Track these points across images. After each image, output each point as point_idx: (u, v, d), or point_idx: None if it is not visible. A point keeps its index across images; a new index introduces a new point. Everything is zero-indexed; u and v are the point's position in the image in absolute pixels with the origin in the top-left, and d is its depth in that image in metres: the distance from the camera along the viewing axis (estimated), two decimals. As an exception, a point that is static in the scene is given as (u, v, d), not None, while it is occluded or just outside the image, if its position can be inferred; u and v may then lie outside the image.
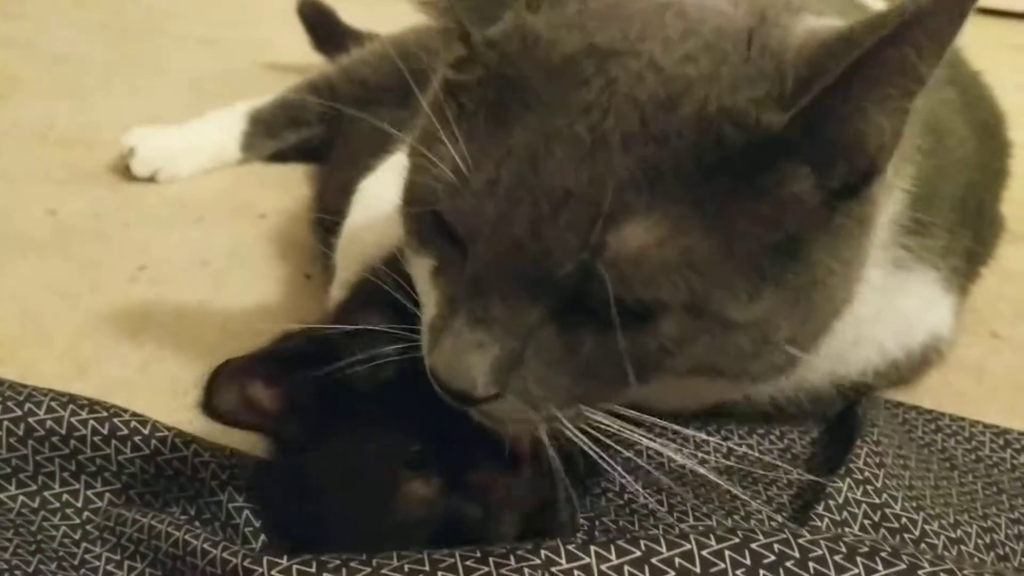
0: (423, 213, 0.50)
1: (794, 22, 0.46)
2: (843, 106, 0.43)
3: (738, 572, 0.47)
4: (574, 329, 0.46)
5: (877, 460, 0.61)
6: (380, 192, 0.76)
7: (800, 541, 0.48)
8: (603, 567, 0.48)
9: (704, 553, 0.48)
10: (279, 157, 1.19)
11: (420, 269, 0.52)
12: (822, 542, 0.48)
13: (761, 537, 0.48)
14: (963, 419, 0.72)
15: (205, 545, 0.53)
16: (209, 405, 0.53)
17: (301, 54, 1.46)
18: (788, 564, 0.47)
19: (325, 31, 1.43)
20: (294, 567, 0.49)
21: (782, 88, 0.43)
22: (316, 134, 1.18)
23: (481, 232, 0.45)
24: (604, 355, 0.46)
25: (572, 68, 0.45)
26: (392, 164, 0.78)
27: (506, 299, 0.45)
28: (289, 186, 1.12)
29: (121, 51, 1.58)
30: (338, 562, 0.49)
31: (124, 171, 1.10)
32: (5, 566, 0.54)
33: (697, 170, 0.43)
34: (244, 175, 1.15)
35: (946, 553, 0.57)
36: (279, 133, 1.18)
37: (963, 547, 0.58)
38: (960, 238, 0.67)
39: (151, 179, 1.10)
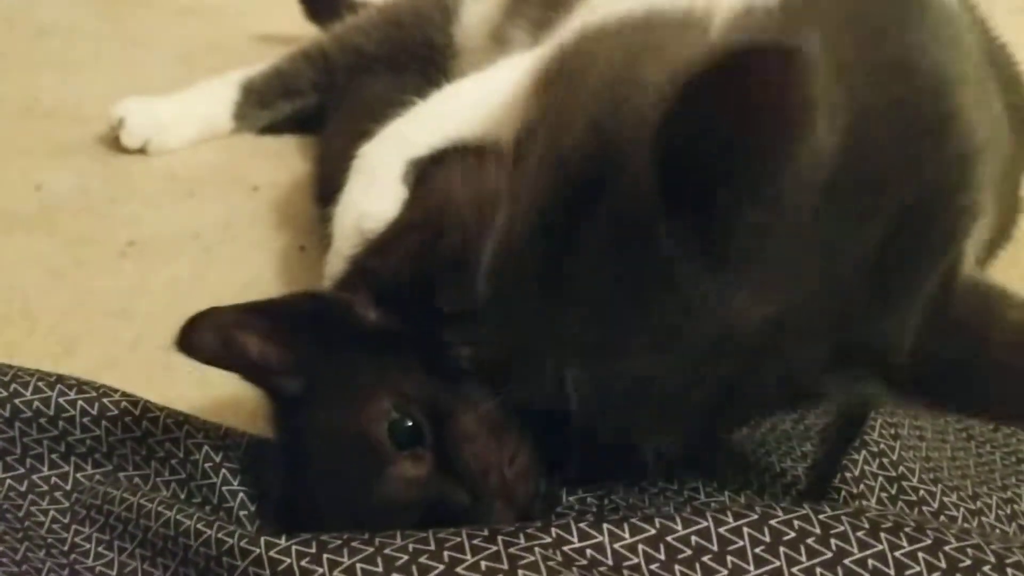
0: None
1: None
2: None
3: (757, 550, 0.45)
4: None
5: (892, 432, 0.59)
6: (379, 159, 0.73)
7: (821, 517, 0.46)
8: (616, 546, 0.46)
9: (721, 531, 0.46)
10: (272, 128, 1.16)
11: None
12: (844, 518, 0.46)
13: (780, 513, 0.46)
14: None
15: (199, 525, 0.51)
16: (187, 345, 0.51)
17: (292, 23, 1.43)
18: (809, 541, 0.45)
19: (317, 0, 1.40)
20: (293, 547, 0.47)
21: None
22: (310, 104, 1.15)
23: None
24: None
25: None
26: (392, 131, 0.75)
27: None
28: (283, 157, 1.10)
29: (106, 22, 1.55)
30: (339, 542, 0.47)
31: (113, 143, 1.08)
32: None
33: None
34: (236, 146, 1.13)
35: (966, 525, 0.55)
36: (272, 103, 1.15)
37: (983, 518, 0.56)
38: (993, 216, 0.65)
39: (141, 150, 1.07)
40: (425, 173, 0.72)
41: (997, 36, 0.74)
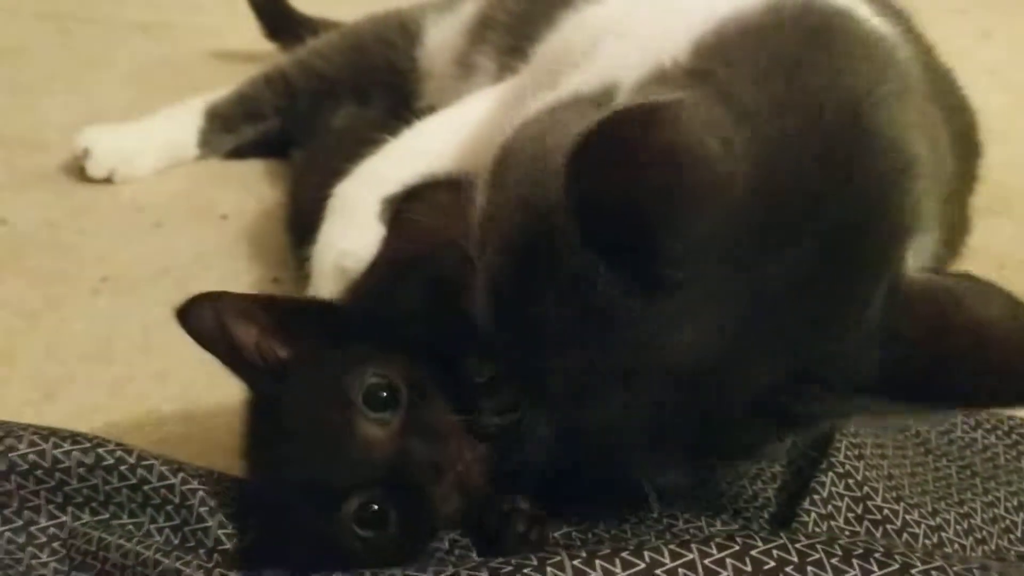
0: None
1: None
2: None
3: (740, 579, 0.48)
4: None
5: (856, 452, 0.63)
6: (355, 198, 0.75)
7: (797, 546, 0.49)
8: (609, 582, 0.48)
9: (706, 562, 0.49)
10: (236, 153, 1.16)
11: None
12: (818, 546, 0.49)
13: (760, 543, 0.49)
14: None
15: (199, 574, 0.52)
16: (185, 318, 0.54)
17: (250, 41, 1.43)
18: (788, 569, 0.48)
19: (275, 17, 1.40)
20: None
21: None
22: (273, 127, 1.16)
23: None
24: None
25: None
26: (366, 169, 0.77)
27: None
28: (249, 184, 1.10)
29: (58, 42, 1.52)
30: None
31: (76, 173, 1.07)
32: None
33: None
34: (200, 173, 1.13)
35: (927, 542, 0.59)
36: (236, 128, 1.15)
37: (943, 534, 0.60)
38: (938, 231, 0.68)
39: (107, 180, 1.07)
40: (399, 209, 0.74)
41: (941, 64, 0.78)
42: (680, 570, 0.49)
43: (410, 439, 0.53)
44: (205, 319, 0.54)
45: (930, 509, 0.61)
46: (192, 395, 0.73)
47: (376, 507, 0.52)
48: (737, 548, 0.49)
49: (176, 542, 0.59)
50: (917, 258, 0.52)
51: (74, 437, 0.60)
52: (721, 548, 0.49)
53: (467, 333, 0.55)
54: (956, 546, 0.60)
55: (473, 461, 0.54)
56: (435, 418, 0.54)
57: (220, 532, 0.59)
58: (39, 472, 0.59)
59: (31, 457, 0.59)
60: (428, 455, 0.53)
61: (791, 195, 0.46)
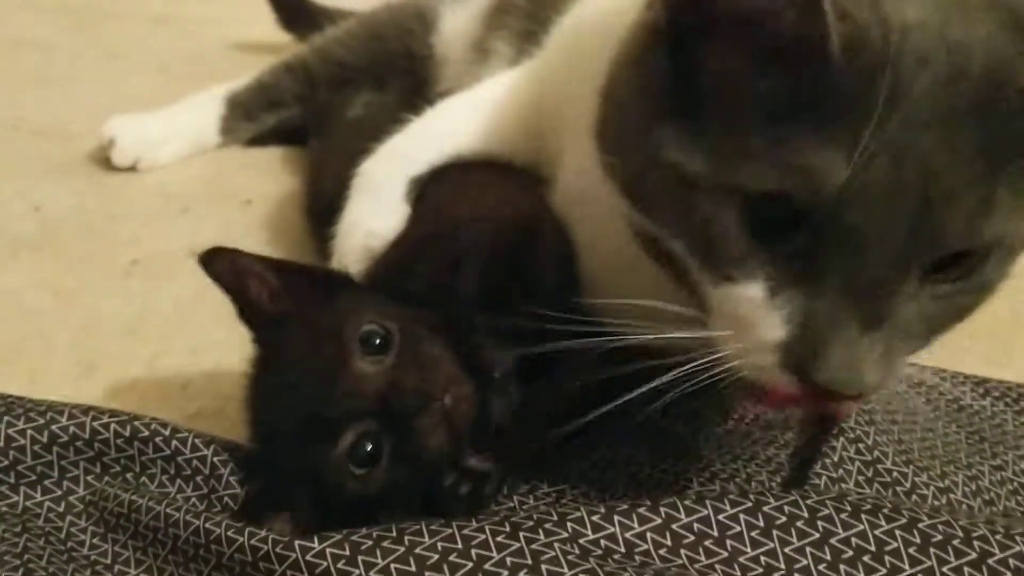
0: (744, 229, 0.48)
1: None
2: None
3: (753, 534, 0.50)
4: (925, 301, 0.48)
5: (867, 418, 0.65)
6: (381, 176, 0.77)
7: (808, 502, 0.51)
8: (627, 535, 0.51)
9: (720, 517, 0.51)
10: (257, 140, 1.19)
11: (739, 296, 0.49)
12: (828, 502, 0.51)
13: (772, 500, 0.52)
14: (944, 371, 0.76)
15: (229, 533, 0.54)
16: (207, 264, 0.61)
17: (266, 31, 1.45)
18: (798, 524, 0.51)
19: (291, 8, 1.42)
20: (327, 550, 0.51)
21: None
22: (293, 115, 1.18)
23: (865, 233, 0.45)
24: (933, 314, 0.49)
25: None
26: (390, 148, 0.79)
27: (890, 295, 0.46)
28: (271, 170, 1.13)
29: (80, 36, 1.55)
30: (370, 542, 0.51)
31: (104, 161, 1.10)
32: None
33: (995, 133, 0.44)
34: (224, 161, 1.15)
35: (936, 503, 0.61)
36: (257, 116, 1.18)
37: (951, 496, 0.62)
38: None
39: (132, 168, 1.10)
40: (427, 190, 0.76)
41: None
42: (695, 525, 0.51)
43: (401, 371, 0.56)
44: (223, 267, 0.61)
45: (939, 472, 0.63)
46: (224, 370, 0.75)
47: (369, 444, 0.56)
48: (750, 504, 0.51)
49: (203, 508, 0.62)
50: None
51: (111, 412, 0.63)
52: (734, 504, 0.51)
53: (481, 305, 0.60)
54: (964, 507, 0.62)
55: (461, 397, 0.57)
56: (426, 354, 0.58)
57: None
58: (79, 443, 0.62)
59: (72, 429, 0.62)
60: (417, 382, 0.56)
61: None
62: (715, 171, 0.47)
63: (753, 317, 0.49)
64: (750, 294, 0.48)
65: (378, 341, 0.57)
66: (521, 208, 0.70)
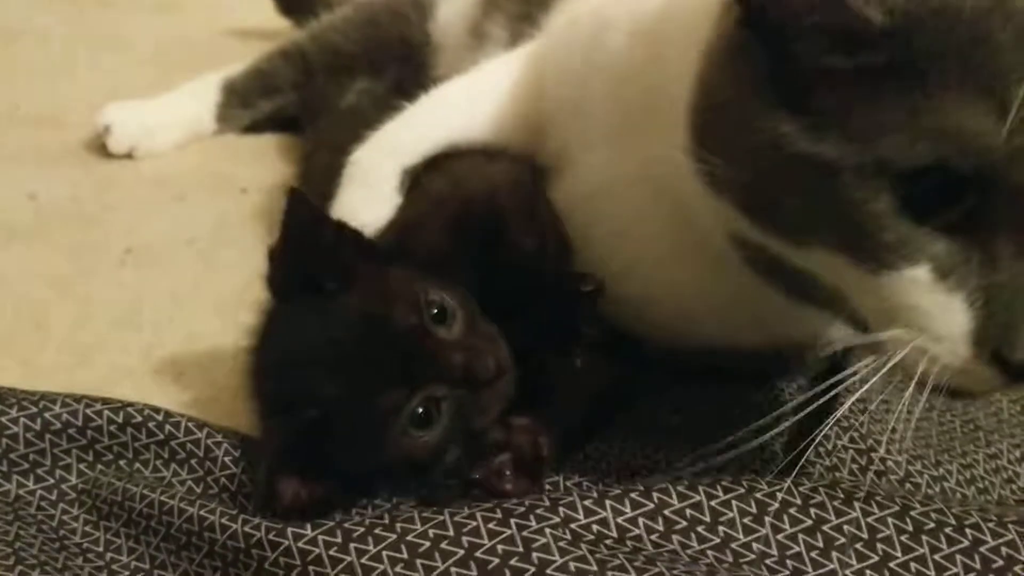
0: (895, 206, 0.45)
1: None
2: None
3: (745, 520, 0.50)
4: None
5: (861, 407, 0.65)
6: (373, 165, 0.76)
7: (801, 489, 0.51)
8: (619, 520, 0.51)
9: (713, 503, 0.51)
10: (253, 128, 1.18)
11: (905, 285, 0.46)
12: (821, 489, 0.51)
13: (764, 487, 0.52)
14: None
15: (223, 520, 0.55)
16: (290, 201, 0.61)
17: (262, 17, 1.45)
18: (791, 511, 0.51)
19: (287, -7, 1.41)
20: (319, 537, 0.52)
21: None
22: (289, 102, 1.17)
23: None
24: None
25: None
26: (383, 136, 0.78)
27: None
28: (267, 157, 1.12)
29: (74, 25, 1.54)
30: (362, 529, 0.51)
31: (99, 149, 1.09)
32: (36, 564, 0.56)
33: None
34: (219, 148, 1.15)
35: (929, 491, 0.61)
36: (253, 103, 1.17)
37: (945, 484, 0.62)
38: None
39: (128, 155, 1.09)
40: (420, 179, 0.75)
41: None
42: (687, 511, 0.51)
43: (476, 342, 0.59)
44: (303, 210, 0.61)
45: (933, 460, 0.63)
46: (219, 359, 0.75)
47: (435, 408, 0.57)
48: (742, 490, 0.51)
49: (199, 491, 0.62)
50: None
51: (104, 399, 0.63)
52: (727, 490, 0.51)
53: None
54: (958, 495, 0.62)
55: (511, 379, 0.59)
56: (486, 328, 0.61)
57: (245, 477, 0.62)
58: (72, 431, 0.62)
59: (64, 417, 0.62)
60: (494, 355, 0.58)
61: None
62: (855, 150, 0.44)
63: (927, 305, 0.45)
64: (917, 279, 0.45)
65: (439, 311, 0.59)
66: (484, 180, 0.71)
